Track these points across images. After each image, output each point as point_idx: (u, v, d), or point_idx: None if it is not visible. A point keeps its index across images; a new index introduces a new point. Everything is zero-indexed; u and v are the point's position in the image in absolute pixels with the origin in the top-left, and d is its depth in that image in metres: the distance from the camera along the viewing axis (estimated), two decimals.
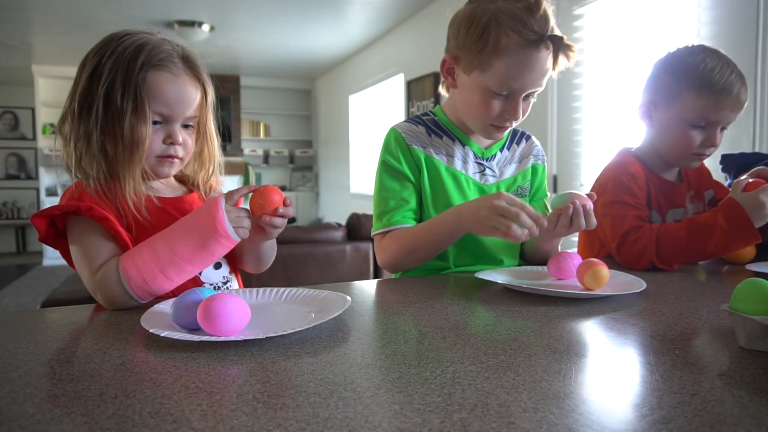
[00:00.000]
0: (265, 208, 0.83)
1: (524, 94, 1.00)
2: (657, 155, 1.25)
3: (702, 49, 1.16)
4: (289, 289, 0.80)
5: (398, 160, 1.08)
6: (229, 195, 0.83)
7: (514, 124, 1.07)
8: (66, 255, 0.88)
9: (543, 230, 0.89)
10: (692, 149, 1.17)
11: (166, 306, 0.71)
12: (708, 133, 1.15)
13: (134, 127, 0.84)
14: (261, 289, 0.80)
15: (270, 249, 1.00)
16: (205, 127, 0.96)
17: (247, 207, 0.84)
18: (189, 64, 0.90)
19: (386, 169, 1.09)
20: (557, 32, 0.96)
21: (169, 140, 0.88)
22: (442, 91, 1.20)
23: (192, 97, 0.89)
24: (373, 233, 1.10)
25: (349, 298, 0.72)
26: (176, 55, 0.88)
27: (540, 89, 1.01)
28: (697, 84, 1.12)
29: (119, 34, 0.88)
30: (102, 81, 0.84)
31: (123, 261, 0.78)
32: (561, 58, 0.98)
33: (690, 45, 1.18)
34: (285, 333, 0.59)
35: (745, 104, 1.14)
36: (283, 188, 7.84)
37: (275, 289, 0.80)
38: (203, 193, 1.02)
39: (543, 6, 0.95)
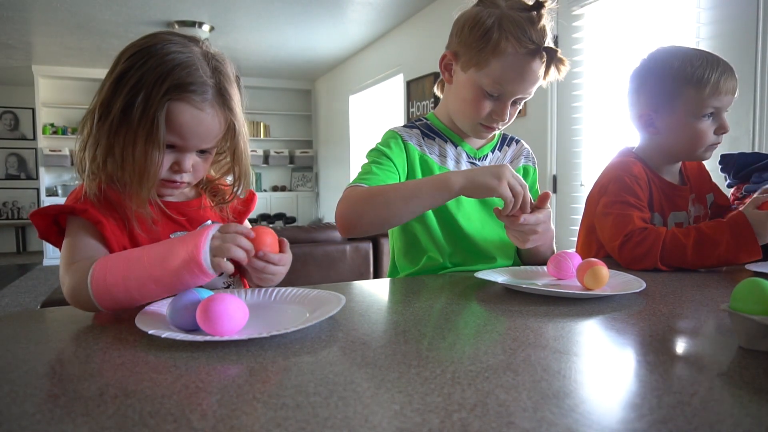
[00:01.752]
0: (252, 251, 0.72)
1: (513, 99, 1.04)
2: (660, 156, 1.25)
3: (675, 48, 1.21)
4: (284, 288, 0.80)
5: (389, 147, 1.10)
6: (224, 235, 0.71)
7: (502, 127, 1.10)
8: None
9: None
10: (708, 140, 1.19)
11: (157, 307, 0.70)
12: (717, 121, 1.18)
13: (147, 153, 0.80)
14: (256, 290, 0.80)
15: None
16: (233, 152, 0.91)
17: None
18: (221, 98, 0.84)
19: (374, 153, 1.11)
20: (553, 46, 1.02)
21: (177, 167, 0.84)
22: (437, 91, 1.22)
23: (212, 131, 0.84)
24: (345, 188, 1.04)
25: (342, 296, 0.72)
26: (208, 86, 0.82)
27: (528, 97, 1.06)
28: (695, 78, 1.14)
29: (160, 40, 0.82)
30: (124, 94, 0.79)
31: (100, 259, 0.74)
32: (552, 69, 1.03)
33: (656, 50, 1.23)
34: (288, 331, 0.59)
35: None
36: (283, 188, 7.93)
37: (270, 289, 0.80)
38: (212, 196, 0.97)
39: (543, 21, 1.00)
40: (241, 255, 0.70)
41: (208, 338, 0.57)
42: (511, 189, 0.87)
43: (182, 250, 0.70)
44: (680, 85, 1.16)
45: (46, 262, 6.45)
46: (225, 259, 0.69)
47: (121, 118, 0.80)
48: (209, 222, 0.79)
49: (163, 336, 0.58)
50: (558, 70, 1.03)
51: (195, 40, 0.86)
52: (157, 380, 0.48)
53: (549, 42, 1.01)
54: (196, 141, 0.83)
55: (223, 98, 0.84)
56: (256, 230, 0.74)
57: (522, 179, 0.89)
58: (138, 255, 0.73)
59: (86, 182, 0.85)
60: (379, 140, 1.15)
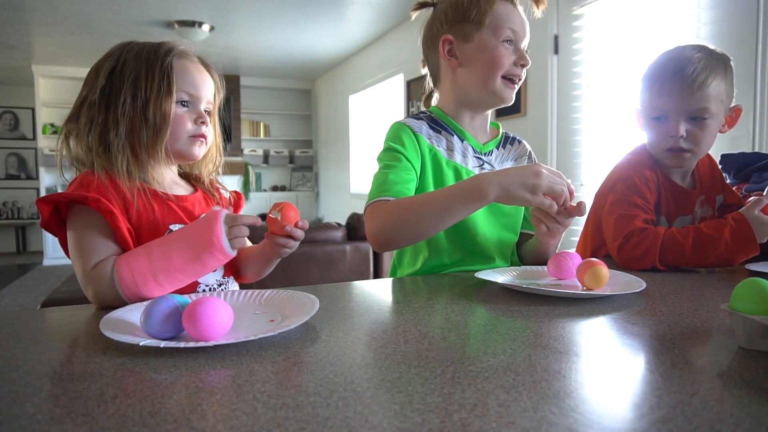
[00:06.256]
0: (276, 225, 0.84)
1: (521, 44, 1.11)
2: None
3: (678, 47, 1.17)
4: (257, 291, 0.78)
5: (403, 145, 1.09)
6: (233, 216, 0.81)
7: (523, 75, 1.13)
8: (64, 242, 0.87)
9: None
10: (663, 145, 1.18)
11: (124, 312, 0.68)
12: (669, 124, 1.15)
13: (162, 104, 0.89)
14: (224, 293, 0.78)
15: (273, 263, 1.01)
16: (214, 122, 1.02)
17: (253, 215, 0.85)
18: (203, 63, 0.99)
19: (390, 151, 1.09)
20: None
21: (200, 120, 0.94)
22: (430, 84, 1.23)
23: (210, 86, 0.97)
24: (369, 202, 1.04)
25: (314, 297, 0.71)
26: (193, 53, 0.98)
27: (527, 42, 1.13)
28: (646, 78, 1.18)
29: (129, 42, 0.94)
30: (127, 74, 0.89)
31: (119, 262, 0.78)
32: (532, 5, 1.14)
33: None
34: (290, 328, 0.59)
35: (712, 85, 1.10)
36: (282, 188, 7.94)
37: (242, 292, 0.78)
38: (209, 190, 1.04)
39: None
40: (246, 232, 0.83)
41: (211, 343, 0.56)
42: (552, 191, 0.89)
43: (201, 241, 0.78)
44: (642, 84, 1.20)
45: (46, 262, 6.45)
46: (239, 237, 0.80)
47: (132, 95, 0.88)
48: (216, 208, 0.92)
49: (161, 346, 0.56)
50: (537, 5, 1.13)
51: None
52: (157, 380, 0.48)
53: None
54: (204, 90, 0.95)
55: (205, 63, 0.99)
56: (285, 207, 0.86)
57: (561, 175, 0.92)
58: (159, 253, 0.78)
59: (97, 167, 0.88)
60: (387, 135, 1.12)
